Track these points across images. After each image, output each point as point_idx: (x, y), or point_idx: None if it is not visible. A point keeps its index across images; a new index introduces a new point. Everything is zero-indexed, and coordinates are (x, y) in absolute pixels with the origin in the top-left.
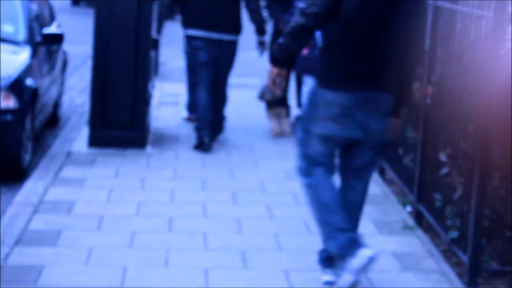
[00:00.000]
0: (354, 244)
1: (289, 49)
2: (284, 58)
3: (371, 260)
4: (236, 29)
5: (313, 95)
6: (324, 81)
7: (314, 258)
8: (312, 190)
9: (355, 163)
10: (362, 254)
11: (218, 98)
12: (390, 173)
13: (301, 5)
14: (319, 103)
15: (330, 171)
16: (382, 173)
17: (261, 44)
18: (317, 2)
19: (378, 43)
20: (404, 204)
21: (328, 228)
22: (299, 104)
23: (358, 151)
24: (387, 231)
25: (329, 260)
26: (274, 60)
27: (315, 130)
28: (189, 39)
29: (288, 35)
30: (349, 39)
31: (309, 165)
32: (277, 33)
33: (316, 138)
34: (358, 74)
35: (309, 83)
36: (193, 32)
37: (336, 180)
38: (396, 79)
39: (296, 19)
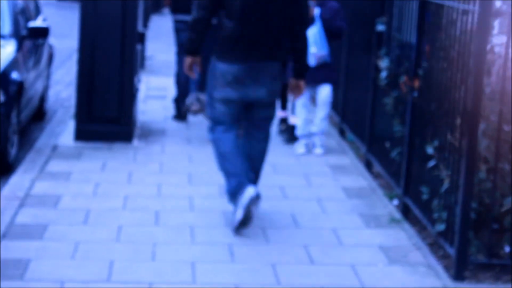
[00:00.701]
0: (243, 185)
1: (194, 40)
2: (193, 48)
3: (256, 197)
4: None
5: (212, 68)
6: (219, 56)
7: (301, 252)
8: (215, 143)
9: (254, 118)
10: (248, 192)
11: None
12: (377, 167)
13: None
14: (217, 74)
15: (231, 128)
16: (369, 167)
17: None
18: None
19: (262, 24)
20: (390, 198)
21: (225, 173)
22: (283, 107)
23: (255, 109)
24: (374, 224)
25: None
26: (187, 51)
27: (216, 95)
28: None
29: (190, 28)
30: (237, 24)
31: (214, 124)
32: None
33: (218, 101)
34: (246, 49)
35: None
36: None
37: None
38: (290, 49)
39: (193, 14)
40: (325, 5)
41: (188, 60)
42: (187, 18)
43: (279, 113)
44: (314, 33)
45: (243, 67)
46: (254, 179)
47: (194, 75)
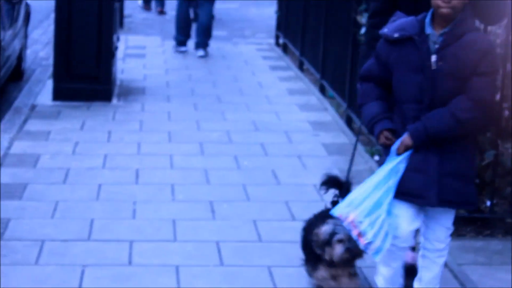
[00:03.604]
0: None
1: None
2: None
3: None
4: None
5: None
6: None
7: (282, 208)
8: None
9: None
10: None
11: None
12: (357, 123)
13: None
14: None
15: None
16: (349, 123)
17: None
18: None
19: None
20: (372, 154)
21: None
22: None
23: None
24: (355, 180)
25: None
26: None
27: None
28: None
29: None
30: None
31: None
32: None
33: None
34: None
35: None
36: None
37: None
38: None
39: None
40: None
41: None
42: None
43: None
44: None
45: None
46: None
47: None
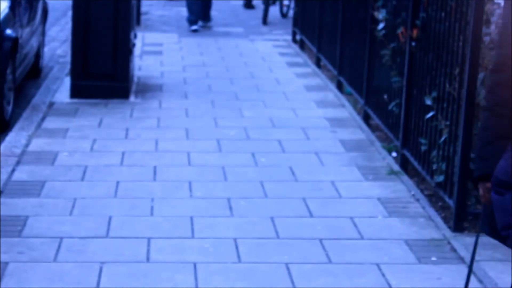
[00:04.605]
0: None
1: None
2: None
3: None
4: None
5: None
6: None
7: (300, 205)
8: None
9: None
10: None
11: None
12: (375, 119)
13: None
14: None
15: None
16: (366, 119)
17: None
18: None
19: None
20: (389, 150)
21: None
22: None
23: None
24: (372, 176)
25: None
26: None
27: None
28: None
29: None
30: None
31: None
32: None
33: None
34: None
35: None
36: None
37: None
38: None
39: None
40: None
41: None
42: None
43: None
44: None
45: None
46: None
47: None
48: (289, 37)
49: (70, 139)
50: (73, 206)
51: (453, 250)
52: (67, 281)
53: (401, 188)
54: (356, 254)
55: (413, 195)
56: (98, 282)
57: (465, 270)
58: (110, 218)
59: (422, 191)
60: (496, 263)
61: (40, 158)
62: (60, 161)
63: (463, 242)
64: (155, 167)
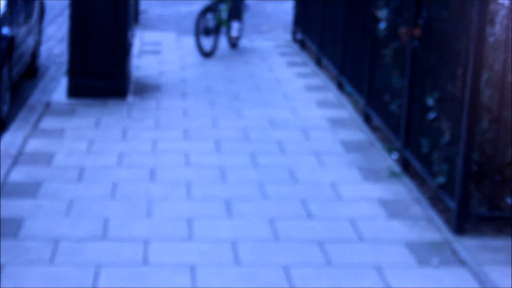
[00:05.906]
0: None
1: None
2: None
3: None
4: None
5: None
6: None
7: (299, 206)
8: None
9: None
10: None
11: None
12: (376, 120)
13: None
14: None
15: None
16: (367, 120)
17: None
18: None
19: None
20: (390, 151)
21: None
22: None
23: None
24: (373, 178)
25: None
26: None
27: None
28: None
29: None
30: None
31: None
32: None
33: None
34: None
35: None
36: None
37: None
38: None
39: None
40: None
41: None
42: None
43: None
44: None
45: None
46: None
47: None
48: (289, 37)
49: (67, 139)
50: (69, 208)
51: (454, 252)
52: (63, 284)
53: (402, 190)
54: (357, 257)
55: (414, 197)
56: (95, 285)
57: (466, 273)
58: (107, 220)
59: (423, 193)
60: (498, 266)
61: (37, 159)
62: (57, 162)
63: (464, 245)
64: (152, 168)
